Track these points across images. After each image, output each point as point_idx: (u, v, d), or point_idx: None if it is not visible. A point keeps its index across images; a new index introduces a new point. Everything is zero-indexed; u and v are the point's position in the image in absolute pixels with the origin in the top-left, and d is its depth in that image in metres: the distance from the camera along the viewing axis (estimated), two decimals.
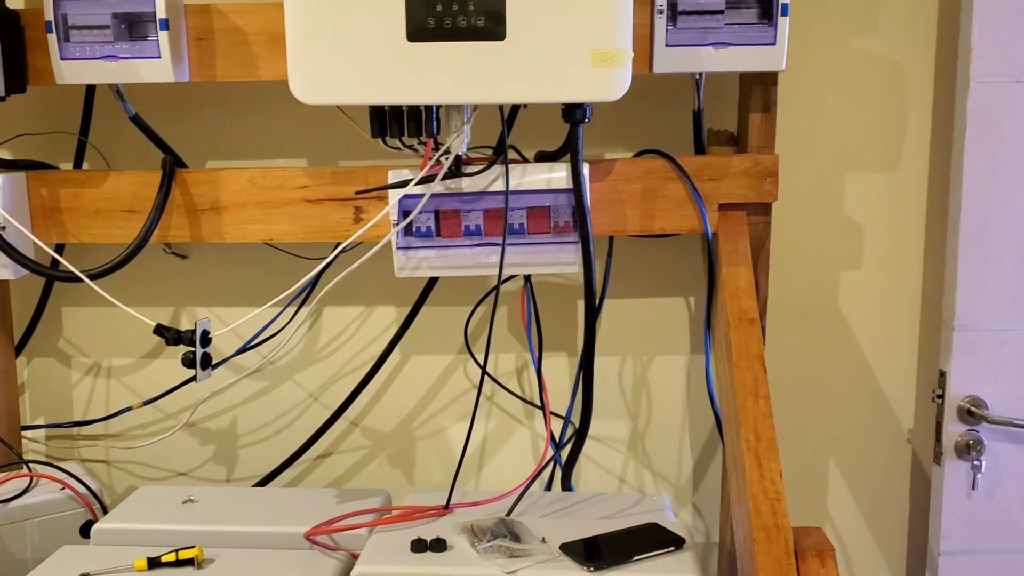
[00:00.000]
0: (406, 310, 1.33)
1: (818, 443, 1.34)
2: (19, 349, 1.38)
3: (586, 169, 1.10)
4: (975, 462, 1.21)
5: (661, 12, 1.08)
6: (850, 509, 1.35)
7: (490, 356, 1.32)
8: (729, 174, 1.15)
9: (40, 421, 1.41)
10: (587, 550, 0.98)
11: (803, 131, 1.27)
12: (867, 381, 1.33)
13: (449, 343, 1.35)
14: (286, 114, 1.31)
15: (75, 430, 1.41)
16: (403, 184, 1.12)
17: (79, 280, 1.15)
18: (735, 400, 1.03)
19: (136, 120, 1.19)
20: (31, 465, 1.26)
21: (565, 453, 1.23)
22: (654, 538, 1.01)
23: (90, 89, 1.28)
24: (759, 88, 1.14)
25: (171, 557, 1.03)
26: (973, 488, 1.21)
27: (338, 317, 1.36)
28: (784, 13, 1.07)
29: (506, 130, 1.10)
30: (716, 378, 1.16)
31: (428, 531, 1.03)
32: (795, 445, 1.32)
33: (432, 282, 1.31)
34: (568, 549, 0.98)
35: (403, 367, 1.37)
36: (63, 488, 1.21)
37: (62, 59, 1.14)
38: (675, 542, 1.00)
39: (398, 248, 1.14)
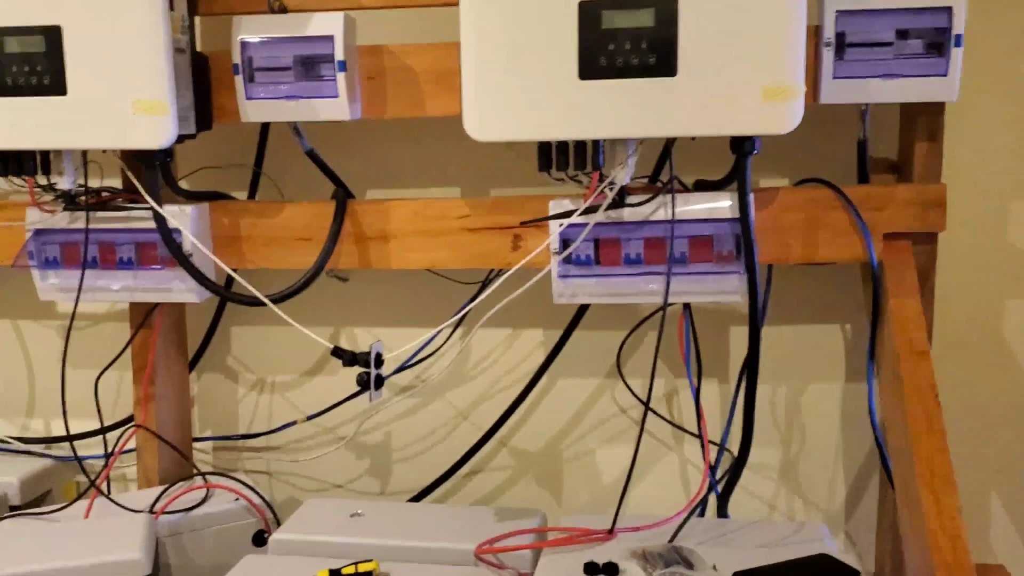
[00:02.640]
0: (553, 333, 1.36)
1: (981, 477, 1.31)
2: (191, 365, 1.48)
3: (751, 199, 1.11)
4: None
5: (829, 45, 1.08)
6: (1016, 546, 1.30)
7: (640, 381, 1.34)
8: (894, 203, 1.14)
9: (208, 433, 1.51)
10: None
11: (964, 157, 1.24)
12: None
13: (597, 367, 1.38)
14: (440, 145, 1.36)
15: (241, 442, 1.49)
16: (567, 215, 1.15)
17: (261, 304, 1.22)
18: (907, 434, 1.02)
19: (311, 155, 1.27)
20: (206, 476, 1.35)
21: (722, 481, 1.24)
22: (826, 569, 1.00)
23: (265, 125, 1.36)
24: (925, 118, 1.13)
25: (351, 569, 1.08)
26: None
27: (487, 339, 1.41)
28: (958, 44, 1.06)
29: (671, 160, 1.12)
30: (880, 409, 1.15)
31: (596, 555, 1.05)
32: (956, 478, 1.28)
33: (583, 308, 1.34)
34: None
35: (551, 389, 1.40)
36: (237, 499, 1.29)
37: (247, 99, 1.21)
38: (849, 574, 0.99)
39: (558, 276, 1.18)
